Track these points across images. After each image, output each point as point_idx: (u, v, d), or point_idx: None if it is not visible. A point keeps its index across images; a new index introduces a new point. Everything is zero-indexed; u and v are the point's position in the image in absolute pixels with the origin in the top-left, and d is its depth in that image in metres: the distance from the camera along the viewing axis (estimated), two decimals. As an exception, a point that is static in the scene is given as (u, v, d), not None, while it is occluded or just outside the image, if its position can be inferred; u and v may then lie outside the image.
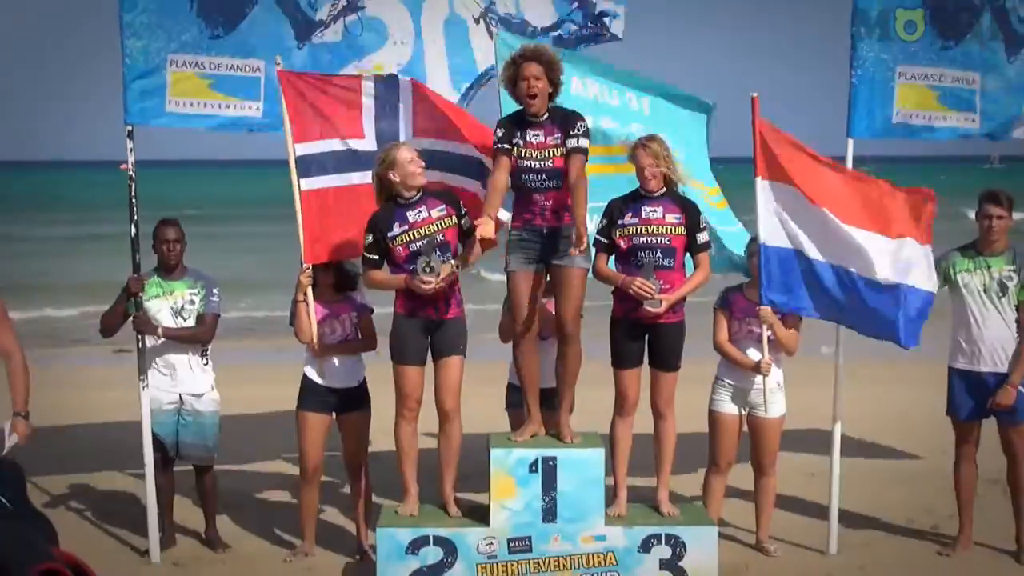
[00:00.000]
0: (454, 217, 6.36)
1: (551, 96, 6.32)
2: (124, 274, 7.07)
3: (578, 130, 6.25)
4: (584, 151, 6.28)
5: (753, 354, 6.86)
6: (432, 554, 6.23)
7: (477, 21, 7.51)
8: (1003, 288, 6.88)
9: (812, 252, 6.85)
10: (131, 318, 6.98)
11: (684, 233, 6.37)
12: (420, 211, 6.32)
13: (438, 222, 6.32)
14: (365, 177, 6.81)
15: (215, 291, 7.27)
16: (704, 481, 7.22)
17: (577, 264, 6.26)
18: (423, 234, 6.26)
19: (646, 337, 6.46)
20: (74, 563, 1.15)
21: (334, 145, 6.93)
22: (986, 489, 7.96)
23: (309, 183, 6.85)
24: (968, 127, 7.49)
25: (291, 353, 7.44)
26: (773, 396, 6.88)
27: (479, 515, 6.43)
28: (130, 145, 6.99)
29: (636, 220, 6.37)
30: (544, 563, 6.28)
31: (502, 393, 7.45)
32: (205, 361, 7.24)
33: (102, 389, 11.54)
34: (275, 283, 19.71)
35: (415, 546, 6.23)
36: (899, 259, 6.78)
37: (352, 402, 6.92)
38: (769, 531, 7.17)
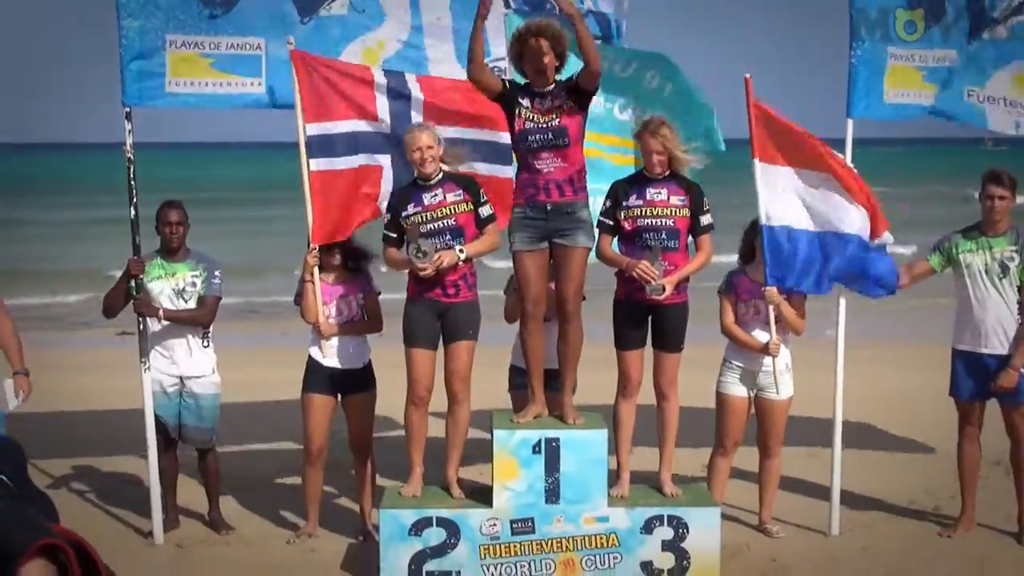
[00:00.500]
0: (470, 204, 6.37)
1: (557, 69, 6.31)
2: (127, 257, 7.07)
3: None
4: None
5: (760, 335, 6.86)
6: (435, 535, 6.25)
7: None
8: (1004, 269, 6.88)
9: (813, 226, 6.88)
10: (132, 300, 6.98)
11: (688, 215, 6.39)
12: (436, 194, 6.34)
13: (452, 206, 6.33)
14: (378, 159, 6.82)
15: (217, 273, 7.27)
16: (709, 462, 7.24)
17: (579, 243, 6.26)
18: (434, 217, 6.29)
19: (649, 318, 6.46)
20: (75, 540, 1.16)
21: (348, 126, 6.92)
22: (989, 470, 7.98)
23: (319, 164, 6.86)
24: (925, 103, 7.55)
25: (295, 336, 7.45)
26: (782, 378, 6.90)
27: (482, 496, 6.45)
28: (128, 127, 6.99)
29: (641, 202, 6.37)
30: (547, 544, 6.30)
31: (505, 376, 7.46)
32: (206, 343, 7.24)
33: (104, 372, 11.54)
34: (280, 266, 19.77)
35: (418, 527, 6.25)
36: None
37: (357, 383, 6.93)
38: (772, 512, 7.18)
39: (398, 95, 6.97)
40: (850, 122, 7.30)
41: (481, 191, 6.43)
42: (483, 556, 6.27)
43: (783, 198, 6.90)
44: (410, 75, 7.05)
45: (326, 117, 6.87)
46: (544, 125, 6.19)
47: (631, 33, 7.86)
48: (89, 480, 8.30)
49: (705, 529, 6.36)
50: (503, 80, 6.43)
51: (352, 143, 6.91)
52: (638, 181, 6.48)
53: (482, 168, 6.92)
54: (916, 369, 8.96)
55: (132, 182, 7.01)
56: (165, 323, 7.06)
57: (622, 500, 6.44)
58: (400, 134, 6.76)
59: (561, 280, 6.34)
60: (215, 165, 77.15)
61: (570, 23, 6.20)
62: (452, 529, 6.28)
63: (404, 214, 6.31)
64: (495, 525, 6.29)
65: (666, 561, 6.33)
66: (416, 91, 6.99)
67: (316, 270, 6.77)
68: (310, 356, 6.96)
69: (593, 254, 6.52)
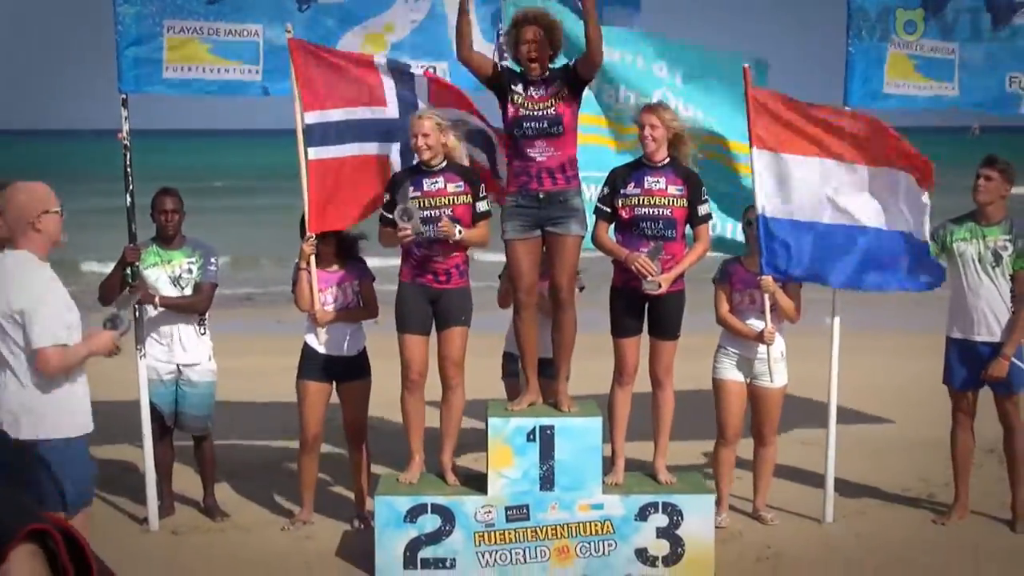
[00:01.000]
0: (469, 196, 6.38)
1: (551, 58, 6.32)
2: (123, 245, 7.07)
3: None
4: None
5: (756, 324, 6.88)
6: (430, 522, 6.27)
7: None
8: (997, 258, 6.89)
9: (811, 217, 6.89)
10: (128, 287, 6.98)
11: (685, 205, 6.39)
12: (436, 181, 6.35)
13: (452, 196, 6.35)
14: (382, 148, 6.82)
15: (213, 260, 7.28)
16: (713, 454, 7.26)
17: (572, 231, 6.28)
18: (433, 204, 6.31)
19: (646, 306, 6.48)
20: (63, 527, 1.17)
21: (348, 114, 6.87)
22: (983, 458, 8.00)
23: (317, 152, 6.83)
24: (947, 94, 7.49)
25: (291, 323, 7.46)
26: (777, 365, 6.92)
27: (477, 484, 6.48)
28: (124, 113, 6.99)
29: (638, 190, 6.38)
30: (541, 531, 6.32)
31: (498, 364, 7.48)
32: (202, 331, 7.25)
33: (99, 359, 11.53)
34: (276, 253, 19.73)
35: (413, 514, 6.27)
36: (899, 196, 6.89)
37: (353, 370, 6.95)
38: (767, 500, 7.21)
39: (404, 83, 6.93)
40: (847, 110, 7.29)
41: (482, 186, 6.44)
42: (478, 543, 6.30)
43: (782, 187, 6.89)
44: (416, 66, 7.01)
45: (325, 105, 6.82)
46: (539, 113, 6.20)
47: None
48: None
49: (699, 516, 6.38)
50: (495, 64, 6.41)
51: (353, 131, 6.87)
52: (636, 167, 6.48)
53: (475, 154, 6.90)
54: (910, 357, 8.98)
55: (128, 169, 7.02)
56: (161, 310, 7.07)
57: (617, 487, 6.47)
58: (406, 121, 6.77)
59: (554, 268, 6.36)
60: (211, 152, 76.91)
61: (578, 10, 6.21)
62: (447, 516, 6.30)
63: (395, 212, 6.29)
64: (490, 512, 6.31)
65: (661, 548, 6.35)
66: (421, 78, 6.96)
67: (312, 259, 6.77)
68: (306, 343, 6.97)
69: (589, 241, 6.53)
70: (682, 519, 6.36)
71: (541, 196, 6.25)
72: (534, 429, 6.31)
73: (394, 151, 6.91)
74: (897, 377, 10.17)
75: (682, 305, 6.52)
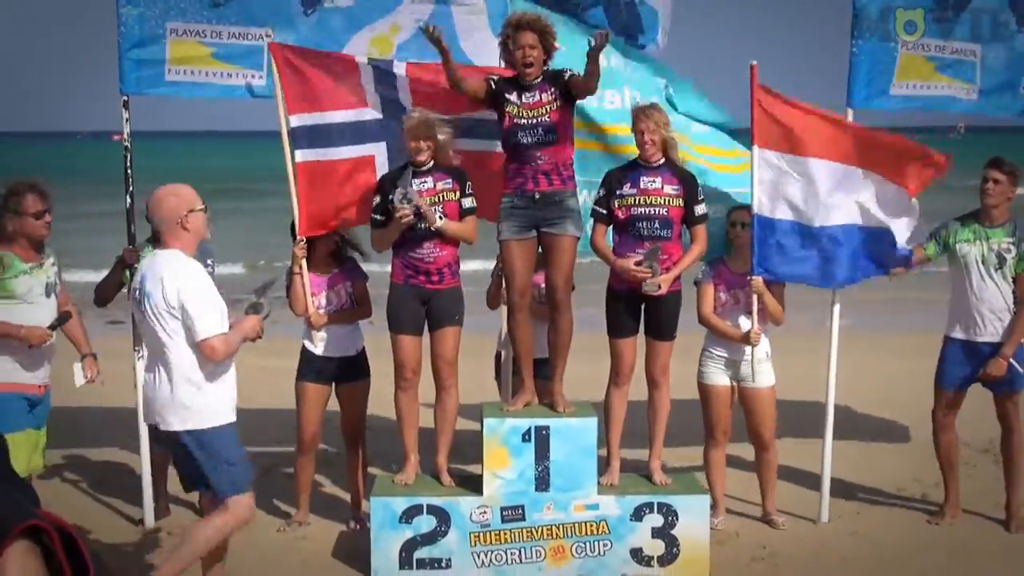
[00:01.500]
0: (457, 193, 6.41)
1: (544, 62, 6.35)
2: (120, 246, 7.08)
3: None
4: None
5: (743, 324, 6.89)
6: (426, 523, 6.29)
7: None
8: (1001, 260, 6.91)
9: (807, 219, 6.91)
10: (127, 288, 7.00)
11: (682, 205, 6.42)
12: (425, 181, 6.38)
13: (440, 194, 6.38)
14: (366, 148, 6.83)
15: (210, 261, 7.25)
16: (704, 456, 7.27)
17: (568, 231, 6.31)
18: (429, 203, 6.30)
19: (642, 307, 6.50)
20: (58, 523, 1.19)
21: (333, 117, 6.88)
22: (977, 458, 8.05)
23: (304, 155, 6.84)
24: (966, 97, 7.47)
25: (288, 325, 7.47)
26: (761, 366, 6.92)
27: (472, 484, 6.50)
28: (125, 115, 7.01)
29: (634, 191, 6.41)
30: (537, 532, 6.35)
31: (491, 364, 7.52)
32: (199, 332, 7.25)
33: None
34: (273, 255, 19.74)
35: (409, 515, 6.30)
36: (890, 201, 6.92)
37: (351, 371, 6.98)
38: (775, 503, 7.21)
39: (386, 82, 6.93)
40: (850, 111, 7.30)
41: (469, 184, 6.47)
42: (473, 543, 6.32)
43: (780, 187, 6.92)
44: (398, 63, 7.02)
45: (310, 108, 6.83)
46: (534, 121, 6.25)
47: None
48: (80, 468, 8.35)
49: (694, 516, 6.41)
50: (487, 81, 6.41)
51: (339, 134, 6.89)
52: (632, 168, 6.51)
53: (470, 144, 6.92)
54: (906, 358, 9.01)
55: (128, 171, 7.03)
56: None
57: (612, 488, 6.49)
58: (391, 121, 6.78)
59: (550, 269, 6.40)
60: (205, 154, 76.73)
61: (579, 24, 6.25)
62: (443, 517, 6.32)
63: (392, 196, 6.32)
64: (485, 513, 6.33)
65: (656, 548, 6.38)
66: (403, 76, 6.94)
67: (304, 262, 6.79)
68: (304, 346, 7.00)
69: (586, 244, 6.56)
70: (677, 519, 6.38)
71: (536, 197, 6.29)
72: (529, 430, 6.33)
73: (380, 151, 6.94)
74: (891, 377, 10.20)
75: (679, 306, 6.56)
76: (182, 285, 5.17)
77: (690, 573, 6.35)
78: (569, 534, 6.36)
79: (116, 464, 8.32)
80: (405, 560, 6.30)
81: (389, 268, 6.53)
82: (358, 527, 7.03)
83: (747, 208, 6.92)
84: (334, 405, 7.13)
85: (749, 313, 6.84)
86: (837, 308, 7.27)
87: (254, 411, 9.48)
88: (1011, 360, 6.88)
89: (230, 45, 7.04)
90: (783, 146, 6.90)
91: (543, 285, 6.70)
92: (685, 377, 7.38)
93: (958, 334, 7.07)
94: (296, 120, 6.80)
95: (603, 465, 6.57)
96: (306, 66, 6.84)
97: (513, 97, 6.30)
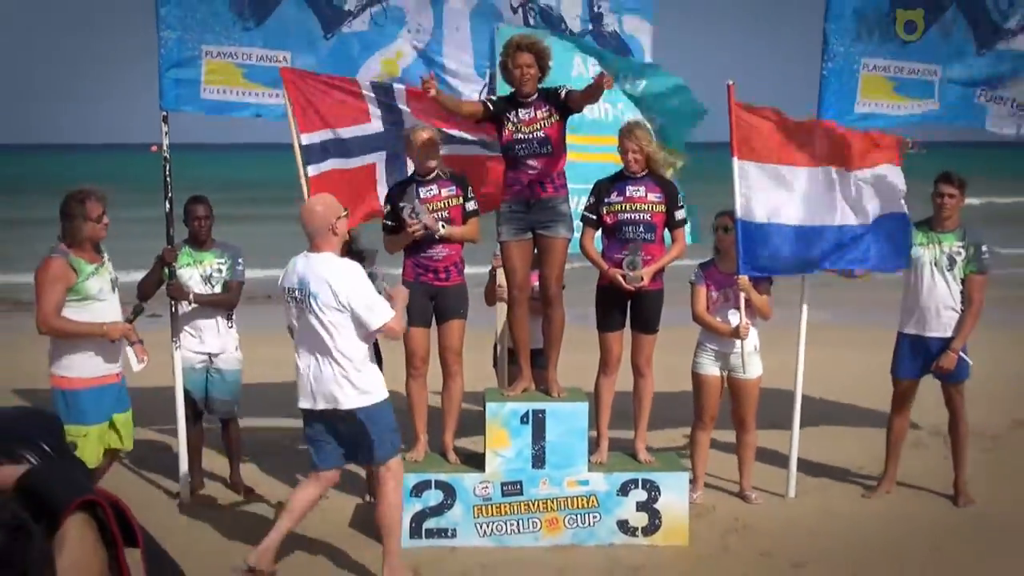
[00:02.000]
0: (460, 198, 6.44)
1: (540, 79, 6.39)
2: (157, 247, 7.10)
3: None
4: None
5: (732, 319, 6.91)
6: (433, 496, 6.33)
7: (515, 10, 7.35)
8: (952, 262, 6.94)
9: (784, 220, 6.92)
10: (166, 285, 7.03)
11: (663, 211, 6.45)
12: (431, 189, 6.40)
13: (446, 200, 6.40)
14: (370, 159, 6.86)
15: (240, 260, 7.32)
16: (691, 436, 7.31)
17: (560, 234, 6.34)
18: (430, 209, 6.34)
19: (628, 303, 6.52)
20: (112, 499, 1.21)
21: (339, 133, 6.92)
22: (929, 440, 8.08)
23: (316, 168, 6.86)
24: (928, 111, 7.47)
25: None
26: (750, 359, 6.95)
27: (475, 462, 6.52)
28: (165, 129, 7.03)
29: (621, 198, 6.44)
30: (533, 505, 6.38)
31: (489, 355, 7.54)
32: (230, 324, 7.30)
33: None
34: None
35: (418, 489, 6.33)
36: (879, 188, 6.94)
37: None
38: (751, 481, 7.23)
39: (385, 99, 6.99)
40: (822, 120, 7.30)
41: (470, 188, 6.50)
42: (476, 515, 6.36)
43: (759, 193, 6.93)
44: (397, 86, 7.07)
45: (319, 126, 6.86)
46: (530, 136, 6.29)
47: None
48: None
49: (675, 492, 6.45)
50: (483, 103, 6.46)
51: (345, 147, 6.93)
52: (619, 179, 6.54)
53: (463, 149, 7.02)
54: (870, 350, 8.98)
55: (168, 179, 7.05)
56: (194, 306, 7.11)
57: (601, 466, 6.52)
58: (391, 130, 6.82)
59: (544, 267, 6.43)
60: (230, 165, 76.38)
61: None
62: (449, 491, 6.36)
63: (401, 204, 6.35)
64: (487, 487, 6.36)
65: (640, 520, 6.42)
66: (402, 92, 7.02)
67: None
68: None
69: (576, 246, 6.58)
70: (659, 494, 6.42)
71: (532, 202, 6.33)
72: (527, 413, 6.36)
73: (381, 159, 6.98)
74: (855, 367, 10.21)
75: (661, 302, 6.57)
76: (347, 285, 5.36)
77: (671, 542, 6.38)
78: (562, 507, 6.39)
79: (156, 443, 8.33)
80: (415, 530, 6.33)
81: (400, 270, 6.55)
82: (372, 500, 7.03)
83: (730, 213, 6.94)
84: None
85: (738, 309, 6.87)
86: (805, 307, 7.30)
87: (281, 396, 9.51)
88: (960, 353, 6.91)
89: (258, 67, 7.07)
90: (761, 156, 6.91)
91: (537, 283, 6.72)
92: (670, 368, 7.41)
93: (910, 329, 7.09)
94: (307, 138, 6.82)
95: (593, 445, 6.60)
96: (313, 88, 6.87)
97: (511, 115, 6.33)
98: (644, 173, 6.48)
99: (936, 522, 6.82)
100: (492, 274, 7.25)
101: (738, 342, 6.88)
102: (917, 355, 7.06)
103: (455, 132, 7.06)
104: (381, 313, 5.41)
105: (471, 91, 7.33)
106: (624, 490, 6.42)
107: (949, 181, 6.96)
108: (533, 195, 6.33)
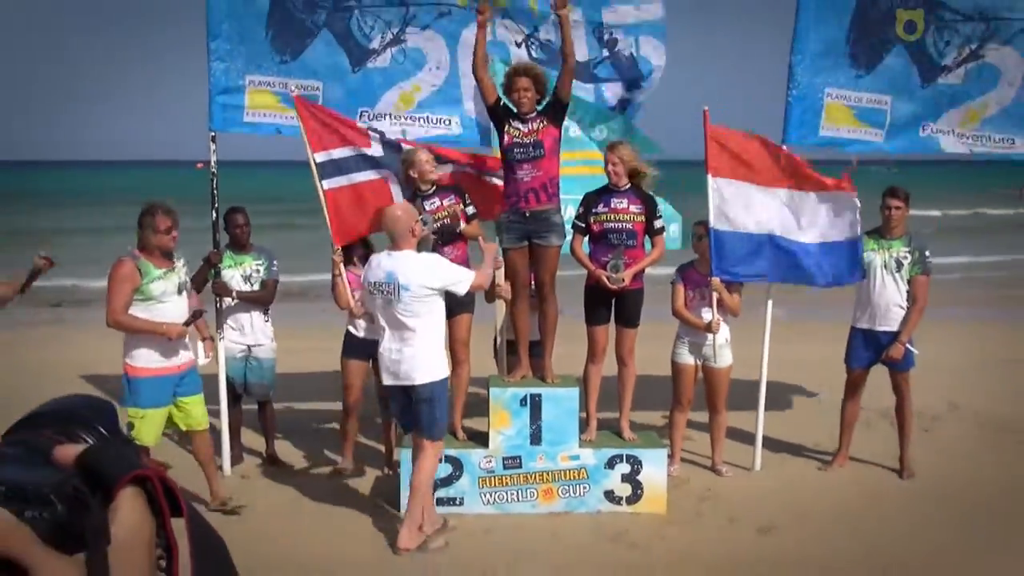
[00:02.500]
0: (460, 204, 6.51)
1: (538, 101, 6.43)
2: (198, 253, 7.11)
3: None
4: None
5: (705, 315, 6.93)
6: (443, 469, 6.33)
7: (519, 45, 7.32)
8: (899, 265, 6.97)
9: (752, 229, 6.93)
10: (211, 283, 7.05)
11: (644, 220, 6.46)
12: (434, 201, 6.44)
13: (448, 208, 6.42)
14: (374, 175, 6.87)
15: (275, 262, 7.36)
16: (670, 417, 7.32)
17: (552, 243, 6.38)
18: (436, 218, 6.40)
19: (613, 300, 6.54)
20: (160, 475, 1.22)
21: (347, 152, 6.87)
22: (877, 421, 8.07)
23: (330, 183, 6.83)
24: (874, 140, 7.47)
25: (335, 313, 7.49)
26: (721, 350, 6.96)
27: (480, 439, 6.55)
28: (213, 147, 7.04)
29: (606, 209, 6.45)
30: (531, 477, 6.40)
31: (490, 347, 7.56)
32: (267, 318, 7.33)
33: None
34: (322, 257, 19.67)
35: (430, 463, 6.32)
36: (832, 211, 6.92)
37: None
38: (722, 457, 7.25)
39: (384, 140, 6.97)
40: (785, 147, 7.26)
41: (467, 195, 6.57)
42: (481, 486, 6.38)
43: (730, 206, 6.94)
44: (391, 134, 7.09)
45: (330, 146, 6.83)
46: (526, 140, 6.32)
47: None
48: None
49: (655, 465, 6.46)
50: (497, 96, 6.46)
51: (353, 164, 6.88)
52: (605, 192, 6.55)
53: (457, 168, 7.06)
54: (828, 342, 8.97)
55: (215, 192, 7.06)
56: (236, 302, 7.14)
57: (590, 443, 6.53)
58: (390, 158, 6.82)
59: (538, 271, 6.46)
60: (262, 180, 76.13)
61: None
62: (457, 464, 6.38)
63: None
64: (491, 461, 6.38)
65: (625, 490, 6.44)
66: (397, 135, 7.05)
67: (341, 266, 6.81)
68: (347, 330, 7.03)
69: (567, 248, 6.59)
70: (641, 467, 6.43)
71: (527, 214, 6.34)
72: (526, 396, 6.38)
73: (391, 176, 6.95)
74: (812, 358, 10.21)
75: (641, 300, 6.58)
76: (431, 272, 5.56)
77: (651, 510, 6.40)
78: (556, 479, 6.41)
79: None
80: (428, 497, 6.34)
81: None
82: (391, 473, 7.07)
83: (704, 223, 6.97)
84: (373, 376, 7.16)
85: (711, 307, 6.88)
86: (770, 303, 7.31)
87: (311, 381, 9.55)
88: (907, 344, 6.92)
89: (290, 94, 7.06)
90: (732, 174, 6.92)
91: (533, 284, 6.73)
92: (652, 357, 7.40)
93: (862, 324, 7.11)
94: (320, 157, 6.81)
95: (583, 425, 6.61)
96: (321, 116, 6.86)
97: (514, 124, 6.37)
98: (627, 187, 6.49)
99: (883, 491, 6.85)
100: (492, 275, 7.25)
101: (711, 335, 6.89)
102: (868, 347, 7.08)
103: (446, 156, 7.06)
104: (465, 280, 5.64)
105: (486, 122, 7.27)
106: (610, 464, 6.44)
107: (895, 195, 6.98)
108: (528, 206, 6.35)
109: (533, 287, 6.67)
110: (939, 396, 9.03)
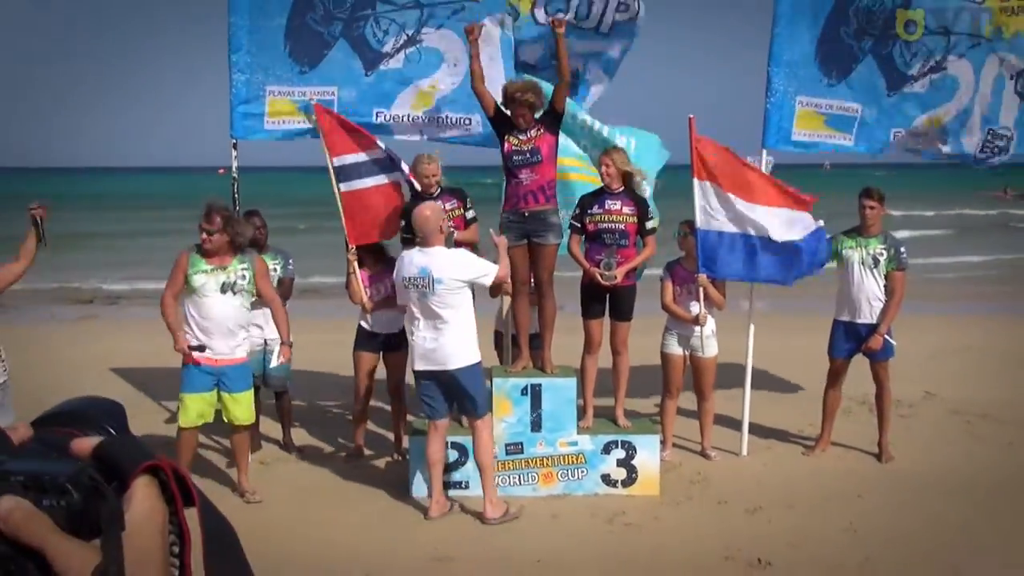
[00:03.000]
0: (461, 208, 6.51)
1: (533, 114, 6.37)
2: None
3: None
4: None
5: (692, 309, 6.91)
6: (450, 455, 6.34)
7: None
8: (876, 262, 6.96)
9: (733, 229, 6.91)
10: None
11: (636, 221, 6.46)
12: (437, 204, 6.39)
13: (451, 212, 6.43)
14: (389, 177, 6.86)
15: (291, 261, 7.34)
16: (660, 405, 7.31)
17: (550, 242, 6.36)
18: None
19: (607, 296, 6.52)
20: (173, 465, 1.22)
21: (361, 157, 6.87)
22: (857, 408, 8.05)
23: (347, 186, 6.84)
24: (844, 144, 7.51)
25: (347, 309, 7.49)
26: (708, 341, 6.96)
27: (485, 427, 6.51)
28: (234, 154, 7.03)
29: (601, 210, 6.45)
30: (532, 462, 6.40)
31: (491, 339, 7.56)
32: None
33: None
34: (335, 256, 19.67)
35: (437, 448, 6.31)
36: (796, 223, 6.92)
37: (394, 343, 6.99)
38: (711, 442, 7.24)
39: (388, 151, 6.93)
40: (764, 151, 7.36)
41: (469, 199, 6.54)
42: (485, 470, 6.36)
43: (714, 208, 6.93)
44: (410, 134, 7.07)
45: (346, 152, 6.83)
46: (524, 148, 6.30)
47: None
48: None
49: (648, 450, 6.46)
50: (496, 105, 6.41)
51: (367, 169, 6.87)
52: (600, 194, 6.55)
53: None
54: (811, 334, 8.95)
55: (236, 195, 7.05)
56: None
57: (587, 429, 6.53)
58: (398, 164, 6.79)
59: (537, 268, 6.45)
60: (278, 184, 76.06)
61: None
62: (463, 450, 6.37)
63: None
64: (494, 447, 6.35)
65: (620, 474, 6.44)
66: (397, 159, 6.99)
67: (356, 264, 6.81)
68: (359, 325, 7.02)
69: (564, 248, 6.58)
70: (635, 453, 6.43)
71: (527, 215, 6.32)
72: (526, 386, 6.38)
73: (402, 179, 6.94)
74: (796, 349, 10.20)
75: (634, 296, 6.59)
76: (462, 266, 5.67)
77: (644, 492, 6.40)
78: (555, 464, 6.41)
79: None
80: (435, 482, 6.33)
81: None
82: (400, 459, 7.07)
83: (690, 222, 6.97)
84: (381, 369, 7.15)
85: (698, 301, 6.87)
86: (754, 298, 7.30)
87: (325, 372, 9.54)
88: (885, 336, 6.90)
89: (310, 102, 7.05)
90: (715, 181, 6.91)
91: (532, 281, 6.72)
92: (645, 349, 7.39)
93: (843, 317, 7.10)
94: (337, 161, 6.81)
95: (581, 412, 6.61)
96: (338, 124, 6.85)
97: (513, 133, 6.35)
98: (620, 189, 6.47)
99: (863, 475, 6.83)
100: None
101: (698, 328, 6.88)
102: (849, 338, 7.07)
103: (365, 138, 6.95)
104: (491, 272, 5.73)
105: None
106: (607, 449, 6.44)
107: (870, 196, 6.98)
108: (527, 207, 6.33)
109: (532, 284, 6.67)
110: (915, 385, 9.01)
